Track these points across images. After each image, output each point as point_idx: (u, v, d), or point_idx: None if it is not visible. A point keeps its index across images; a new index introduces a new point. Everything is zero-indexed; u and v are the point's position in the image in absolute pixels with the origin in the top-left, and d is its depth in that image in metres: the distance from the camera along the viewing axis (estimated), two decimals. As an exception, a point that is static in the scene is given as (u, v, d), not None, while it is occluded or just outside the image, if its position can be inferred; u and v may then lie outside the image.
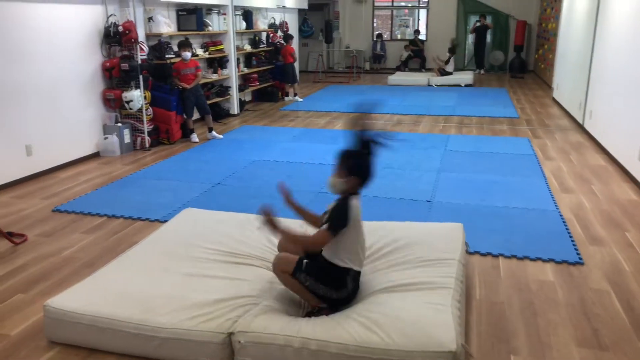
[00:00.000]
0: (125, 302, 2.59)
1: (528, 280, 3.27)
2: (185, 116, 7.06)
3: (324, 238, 2.48)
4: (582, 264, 3.49)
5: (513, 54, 14.30)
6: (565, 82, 9.22)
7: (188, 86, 6.89)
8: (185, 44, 6.95)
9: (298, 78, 11.00)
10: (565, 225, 4.09)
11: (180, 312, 2.49)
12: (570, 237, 3.88)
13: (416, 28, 15.95)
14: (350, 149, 2.57)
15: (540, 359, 2.53)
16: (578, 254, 3.62)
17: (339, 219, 2.49)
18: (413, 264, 2.90)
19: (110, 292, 2.68)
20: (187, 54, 6.94)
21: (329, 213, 2.54)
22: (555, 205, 4.51)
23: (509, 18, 14.61)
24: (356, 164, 2.55)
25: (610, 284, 3.23)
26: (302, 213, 2.81)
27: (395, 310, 2.41)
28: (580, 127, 7.53)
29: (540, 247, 3.70)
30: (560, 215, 4.29)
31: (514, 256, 3.58)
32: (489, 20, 14.28)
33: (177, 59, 7.13)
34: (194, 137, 7.08)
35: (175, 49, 7.33)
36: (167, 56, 7.09)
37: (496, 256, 3.60)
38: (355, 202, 2.55)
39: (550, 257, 3.56)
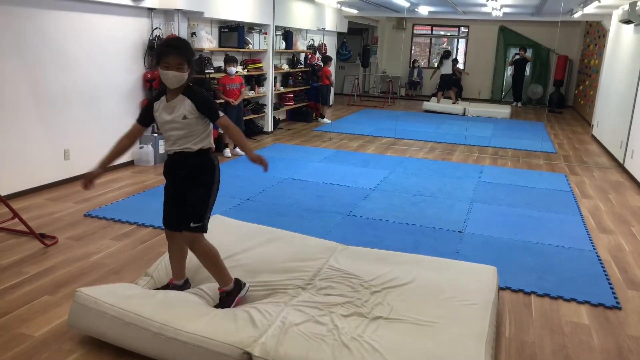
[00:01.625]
0: (153, 303, 2.62)
1: (561, 322, 3.13)
2: (220, 131, 7.14)
3: (228, 122, 2.71)
4: (619, 308, 3.33)
5: (552, 89, 14.08)
6: (606, 120, 9.00)
7: (234, 102, 7.02)
8: (232, 60, 7.09)
9: (328, 101, 11.05)
10: (603, 267, 3.93)
11: (205, 321, 2.50)
12: (608, 279, 3.72)
13: (454, 57, 15.88)
14: (181, 41, 2.75)
15: (572, 407, 2.40)
16: (615, 297, 3.46)
17: (215, 105, 2.72)
18: (444, 302, 2.81)
19: (141, 293, 2.73)
20: (233, 69, 7.07)
21: (204, 107, 2.66)
22: (592, 245, 4.35)
23: (550, 52, 14.44)
24: (193, 54, 2.70)
25: (650, 332, 3.07)
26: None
27: (426, 355, 2.33)
28: (621, 167, 7.30)
29: (575, 288, 3.55)
30: (597, 256, 4.12)
31: (547, 295, 3.45)
32: (529, 53, 14.14)
33: (217, 75, 7.26)
34: (227, 152, 7.15)
35: (215, 64, 7.47)
36: (206, 71, 7.21)
37: (528, 293, 3.47)
38: None
39: (586, 299, 3.41)
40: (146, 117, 2.76)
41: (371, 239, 4.30)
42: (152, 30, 6.43)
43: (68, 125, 5.47)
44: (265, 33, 8.79)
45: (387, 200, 5.38)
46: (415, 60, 15.75)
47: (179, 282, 2.97)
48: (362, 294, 2.89)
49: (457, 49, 16.29)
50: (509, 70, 14.75)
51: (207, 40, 7.28)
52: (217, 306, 2.75)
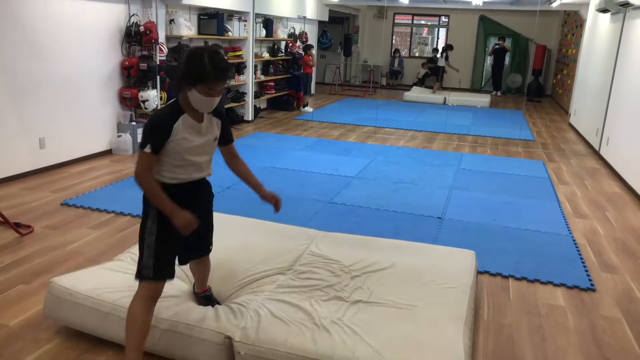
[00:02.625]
0: (131, 292, 2.56)
1: (538, 304, 3.19)
2: None
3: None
4: (593, 290, 3.40)
5: (531, 78, 14.23)
6: (582, 108, 9.13)
7: None
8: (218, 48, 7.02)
9: (310, 90, 10.99)
10: (578, 251, 4.00)
11: (183, 308, 2.48)
12: (583, 262, 3.80)
13: (435, 47, 15.95)
14: (228, 62, 2.25)
15: (547, 385, 2.45)
16: (590, 280, 3.53)
17: None
18: (423, 286, 2.83)
19: (117, 282, 2.68)
20: None
21: (227, 126, 2.48)
22: (568, 230, 4.42)
23: (529, 42, 14.57)
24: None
25: (622, 312, 3.14)
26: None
27: (405, 337, 2.35)
28: (596, 154, 7.43)
29: (551, 271, 3.62)
30: (573, 240, 4.20)
31: (524, 278, 3.51)
32: (508, 43, 14.24)
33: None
34: None
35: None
36: (185, 59, 7.12)
37: (506, 277, 3.52)
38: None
39: (562, 281, 3.47)
40: (162, 144, 2.12)
41: (352, 226, 4.31)
42: (129, 17, 6.31)
43: (43, 113, 5.36)
44: (245, 20, 8.70)
45: (367, 188, 5.39)
46: (396, 50, 15.77)
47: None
48: (342, 279, 2.89)
49: (438, 38, 16.35)
50: (489, 60, 14.85)
51: (185, 28, 7.18)
52: (206, 304, 2.62)
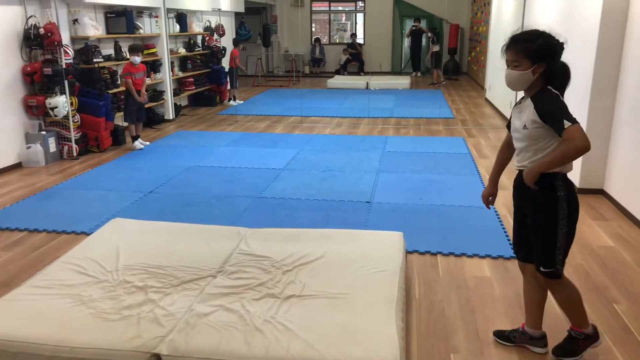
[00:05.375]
0: (41, 323, 2.37)
1: (466, 277, 3.29)
2: (126, 122, 6.75)
3: (579, 134, 2.05)
4: (517, 258, 3.54)
5: (447, 57, 14.69)
6: (496, 83, 9.53)
7: (144, 94, 6.66)
8: (136, 48, 6.60)
9: (229, 83, 10.75)
10: (500, 221, 4.17)
11: (103, 331, 2.31)
12: (505, 232, 3.96)
13: (353, 32, 16.11)
14: (526, 33, 2.27)
15: (479, 356, 2.53)
16: (513, 248, 3.68)
17: (561, 113, 2.10)
18: (354, 273, 2.83)
19: (24, 314, 2.45)
20: (137, 59, 6.59)
21: (550, 115, 2.14)
22: (490, 202, 4.60)
23: (443, 22, 15.01)
24: (539, 48, 2.19)
25: (544, 276, 3.30)
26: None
27: (338, 327, 2.34)
28: (512, 126, 7.78)
29: (477, 244, 3.75)
30: (495, 212, 4.37)
31: (451, 254, 3.61)
32: (423, 24, 14.61)
33: (106, 63, 6.90)
34: (137, 144, 6.72)
35: (104, 52, 7.06)
36: (95, 60, 6.75)
37: (434, 254, 3.61)
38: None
39: (487, 253, 3.61)
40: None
41: (283, 219, 4.27)
42: (27, 19, 5.88)
43: (-63, 129, 4.91)
44: (157, 16, 8.37)
45: (297, 179, 5.37)
46: (316, 38, 15.78)
47: (535, 334, 2.56)
48: (274, 275, 2.85)
49: (356, 23, 16.52)
50: (406, 42, 15.18)
51: (92, 28, 6.80)
52: (558, 345, 2.51)
